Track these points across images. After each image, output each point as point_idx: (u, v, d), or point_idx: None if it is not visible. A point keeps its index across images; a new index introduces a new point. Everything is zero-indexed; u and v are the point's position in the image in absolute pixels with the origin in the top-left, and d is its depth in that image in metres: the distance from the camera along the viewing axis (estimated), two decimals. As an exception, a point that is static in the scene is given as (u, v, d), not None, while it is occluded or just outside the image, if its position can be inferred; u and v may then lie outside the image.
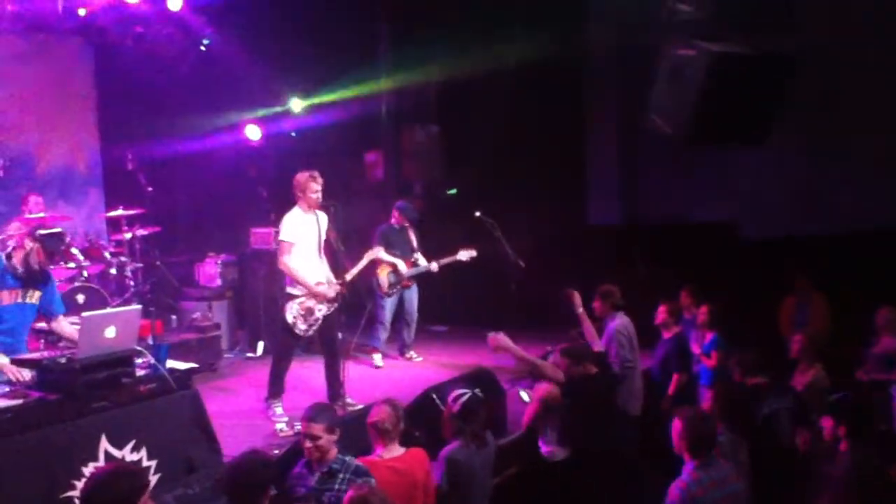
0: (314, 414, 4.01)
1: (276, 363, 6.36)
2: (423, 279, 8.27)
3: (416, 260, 8.06)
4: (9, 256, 4.78)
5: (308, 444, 3.89)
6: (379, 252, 7.60)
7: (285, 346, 6.32)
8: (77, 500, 3.01)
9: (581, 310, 6.17)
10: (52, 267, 5.98)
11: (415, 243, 8.17)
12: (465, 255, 8.05)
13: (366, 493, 3.32)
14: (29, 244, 4.73)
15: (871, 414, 4.41)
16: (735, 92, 6.31)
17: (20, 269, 4.74)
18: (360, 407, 6.00)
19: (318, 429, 3.84)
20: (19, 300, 4.76)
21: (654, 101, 7.13)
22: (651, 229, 9.87)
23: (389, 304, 8.04)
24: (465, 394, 4.44)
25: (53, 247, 4.84)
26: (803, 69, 6.45)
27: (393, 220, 8.09)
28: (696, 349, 6.69)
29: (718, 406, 4.72)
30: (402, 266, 7.98)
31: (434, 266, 8.04)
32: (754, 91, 6.35)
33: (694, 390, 6.56)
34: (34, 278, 4.81)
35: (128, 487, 3.00)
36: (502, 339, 5.01)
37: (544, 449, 5.29)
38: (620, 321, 6.18)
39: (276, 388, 6.29)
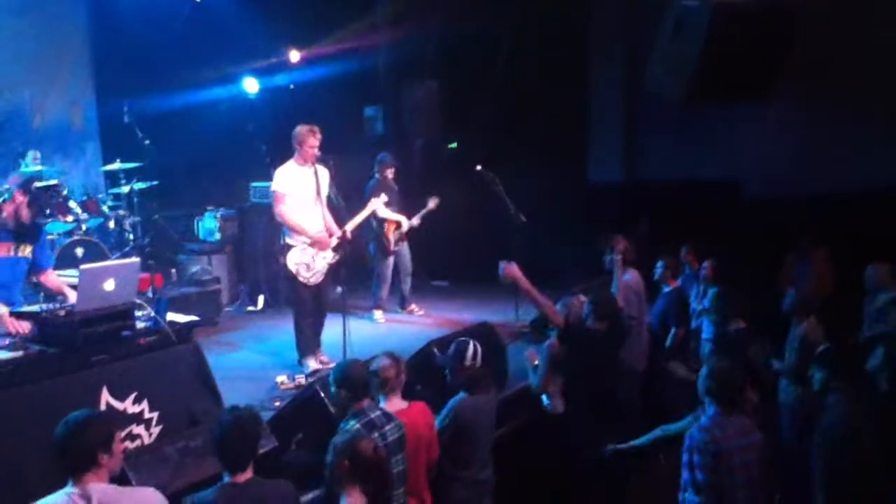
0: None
1: (296, 320, 6.35)
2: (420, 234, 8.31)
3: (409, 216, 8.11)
4: None
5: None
6: (381, 205, 7.53)
7: (298, 298, 6.27)
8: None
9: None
10: (47, 221, 5.96)
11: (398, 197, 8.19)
12: (432, 202, 8.20)
13: (361, 442, 3.32)
14: (19, 198, 4.70)
15: (857, 365, 4.44)
16: (738, 45, 6.20)
17: (11, 223, 4.72)
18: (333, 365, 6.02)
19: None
20: (11, 254, 4.75)
21: (658, 57, 7.03)
22: (653, 187, 9.82)
23: (391, 261, 8.07)
24: (466, 342, 4.49)
25: (42, 200, 4.81)
26: (807, 24, 6.35)
27: (380, 175, 8.00)
28: (696, 304, 6.70)
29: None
30: (405, 221, 8.02)
31: (416, 221, 8.12)
32: (757, 44, 6.25)
33: (691, 344, 6.58)
34: (26, 232, 4.79)
35: (100, 432, 3.03)
36: (514, 269, 5.05)
37: (547, 402, 5.33)
38: (631, 276, 6.18)
39: (303, 346, 6.27)
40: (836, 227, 7.94)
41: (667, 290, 6.54)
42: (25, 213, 4.72)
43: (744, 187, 9.44)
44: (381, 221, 7.91)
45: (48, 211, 7.01)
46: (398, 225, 8.02)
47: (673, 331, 6.37)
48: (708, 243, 7.45)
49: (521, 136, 9.74)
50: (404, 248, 8.20)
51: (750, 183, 9.37)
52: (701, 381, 4.02)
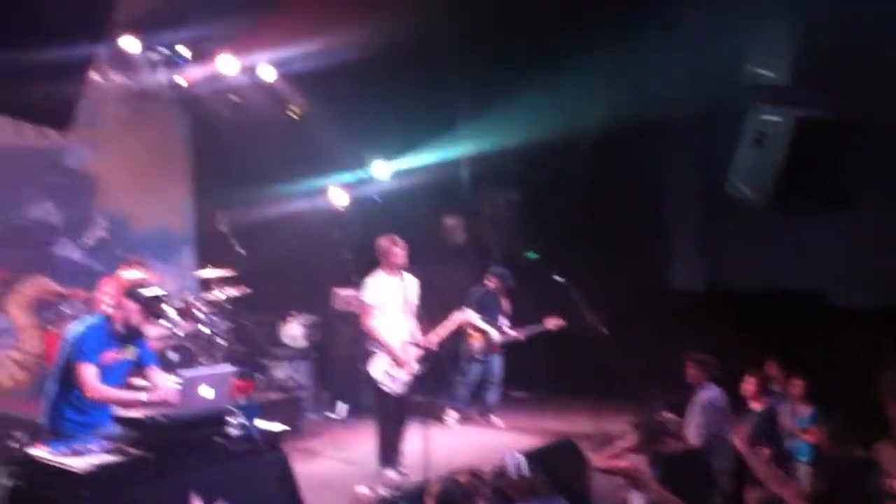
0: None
1: (378, 429, 6.39)
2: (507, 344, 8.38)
3: (503, 327, 8.16)
4: (109, 317, 5.02)
5: None
6: (469, 315, 7.68)
7: (381, 407, 6.34)
8: None
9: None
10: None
11: (505, 309, 8.30)
12: (551, 323, 8.18)
13: None
14: (128, 305, 4.96)
15: None
16: (821, 156, 6.22)
17: (120, 329, 4.97)
18: (414, 478, 6.02)
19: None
20: (118, 357, 4.98)
21: (738, 167, 7.08)
22: (734, 296, 9.65)
23: (475, 368, 8.15)
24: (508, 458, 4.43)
25: (153, 308, 5.06)
26: (891, 130, 6.34)
27: (488, 284, 8.24)
28: (787, 423, 6.45)
29: (819, 486, 4.52)
30: (494, 334, 8.10)
31: (521, 335, 8.14)
32: (841, 155, 6.26)
33: (785, 466, 6.31)
34: (132, 336, 5.05)
35: None
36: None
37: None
38: (714, 392, 6.04)
39: (384, 456, 6.28)
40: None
41: (755, 407, 6.34)
42: (136, 319, 4.98)
43: (830, 297, 9.19)
44: (471, 328, 8.04)
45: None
46: (485, 335, 8.12)
47: (763, 452, 6.12)
48: (795, 356, 7.24)
49: (600, 244, 9.78)
50: (496, 358, 8.26)
51: (837, 293, 9.13)
52: None
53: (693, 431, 6.03)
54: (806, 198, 6.59)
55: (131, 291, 5.04)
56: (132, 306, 4.95)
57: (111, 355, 4.92)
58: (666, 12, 9.44)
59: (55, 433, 4.75)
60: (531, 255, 9.82)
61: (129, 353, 5.05)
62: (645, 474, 4.71)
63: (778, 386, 6.70)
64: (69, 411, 4.84)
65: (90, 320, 5.05)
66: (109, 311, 5.10)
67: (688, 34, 9.59)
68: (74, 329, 4.98)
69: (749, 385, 6.35)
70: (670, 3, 9.44)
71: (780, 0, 6.61)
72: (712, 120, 9.82)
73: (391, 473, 6.20)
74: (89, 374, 4.75)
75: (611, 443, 5.23)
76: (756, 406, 6.33)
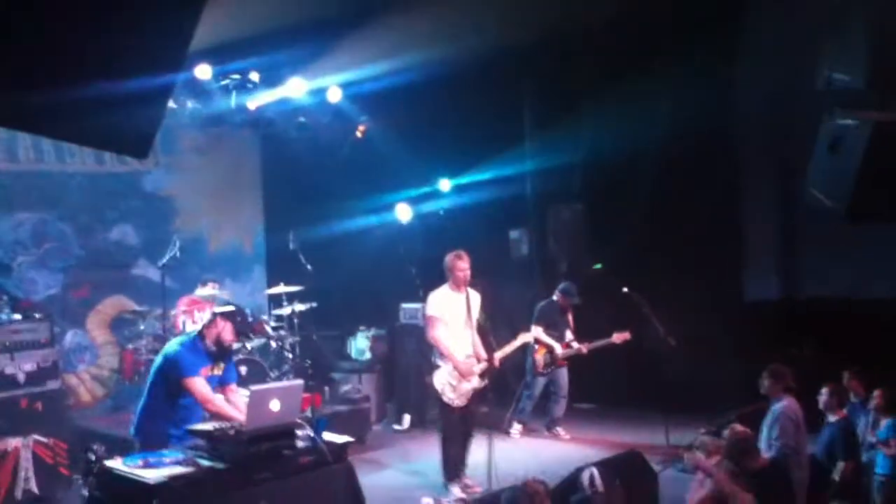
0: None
1: (442, 442, 6.44)
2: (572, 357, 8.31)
3: (570, 341, 8.11)
4: (202, 336, 5.16)
5: None
6: (537, 333, 7.78)
7: (445, 419, 6.37)
8: None
9: None
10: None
11: (571, 324, 8.28)
12: (618, 338, 8.07)
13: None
14: (221, 323, 5.12)
15: None
16: (900, 162, 5.99)
17: (213, 347, 5.13)
18: (478, 490, 5.98)
19: None
20: (210, 373, 5.15)
21: (814, 174, 6.88)
22: (813, 306, 9.35)
23: (541, 381, 8.12)
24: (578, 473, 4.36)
25: (244, 327, 5.21)
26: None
27: (556, 299, 8.19)
28: (866, 435, 6.20)
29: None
30: (558, 348, 8.08)
31: (585, 348, 8.06)
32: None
33: (861, 478, 6.07)
34: (222, 353, 5.21)
35: None
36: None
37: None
38: (788, 403, 5.85)
39: (449, 469, 6.32)
40: None
41: (832, 419, 6.12)
42: (230, 337, 5.14)
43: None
44: (535, 342, 8.02)
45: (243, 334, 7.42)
46: (550, 349, 8.10)
47: (840, 464, 5.90)
48: (877, 368, 6.96)
49: (671, 254, 9.61)
50: (561, 371, 8.22)
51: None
52: None
53: (767, 443, 5.86)
54: (885, 203, 6.37)
55: (224, 311, 5.20)
56: (225, 325, 5.10)
57: (204, 371, 5.09)
58: (737, 19, 9.30)
59: (150, 446, 4.85)
60: (597, 265, 9.71)
61: (219, 369, 5.22)
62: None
63: (856, 397, 6.46)
64: (163, 423, 5.00)
65: (184, 338, 5.23)
66: (201, 329, 5.24)
67: (759, 40, 9.42)
68: (172, 347, 5.15)
69: (825, 396, 6.13)
70: (741, 9, 9.30)
71: (853, 1, 6.44)
72: (786, 126, 9.61)
73: (455, 486, 6.20)
74: (202, 387, 4.93)
75: (677, 455, 5.12)
76: (833, 418, 6.10)
